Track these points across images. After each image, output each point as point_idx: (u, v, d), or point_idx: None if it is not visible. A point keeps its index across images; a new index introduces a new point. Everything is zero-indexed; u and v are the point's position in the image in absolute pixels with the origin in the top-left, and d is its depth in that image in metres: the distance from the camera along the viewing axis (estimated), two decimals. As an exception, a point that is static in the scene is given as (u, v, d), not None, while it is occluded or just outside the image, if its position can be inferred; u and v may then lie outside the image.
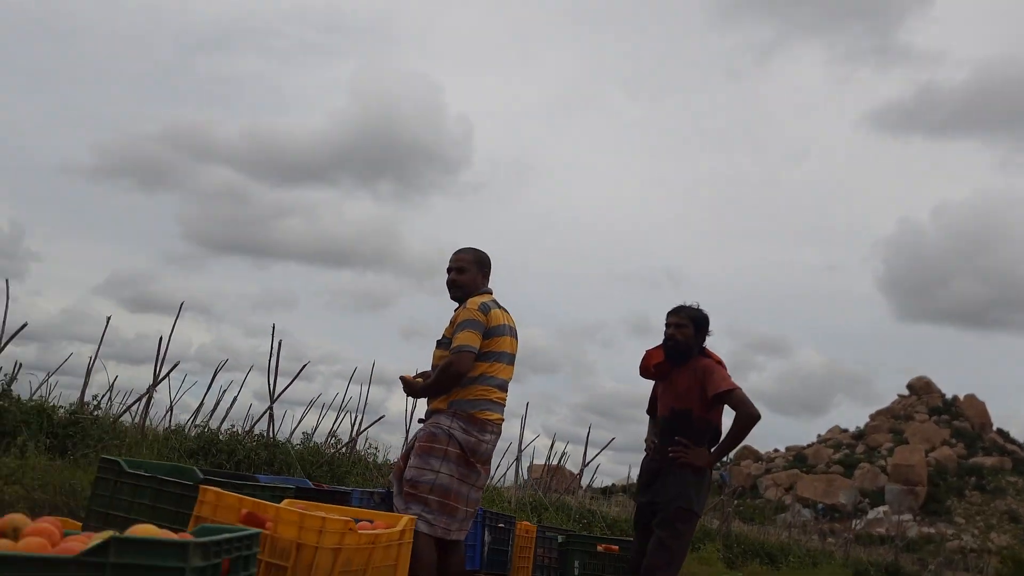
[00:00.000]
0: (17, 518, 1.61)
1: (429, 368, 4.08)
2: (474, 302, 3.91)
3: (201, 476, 3.79)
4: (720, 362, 4.38)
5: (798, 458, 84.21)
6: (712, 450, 4.24)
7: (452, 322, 3.92)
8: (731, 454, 4.56)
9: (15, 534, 1.59)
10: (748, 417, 4.16)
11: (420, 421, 3.97)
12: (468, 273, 4.03)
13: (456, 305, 4.03)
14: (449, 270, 4.08)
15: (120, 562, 1.45)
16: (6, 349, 9.59)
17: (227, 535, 1.71)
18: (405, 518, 3.07)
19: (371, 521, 3.08)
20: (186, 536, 1.67)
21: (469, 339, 3.80)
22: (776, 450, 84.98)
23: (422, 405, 4.13)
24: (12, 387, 9.07)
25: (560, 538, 5.74)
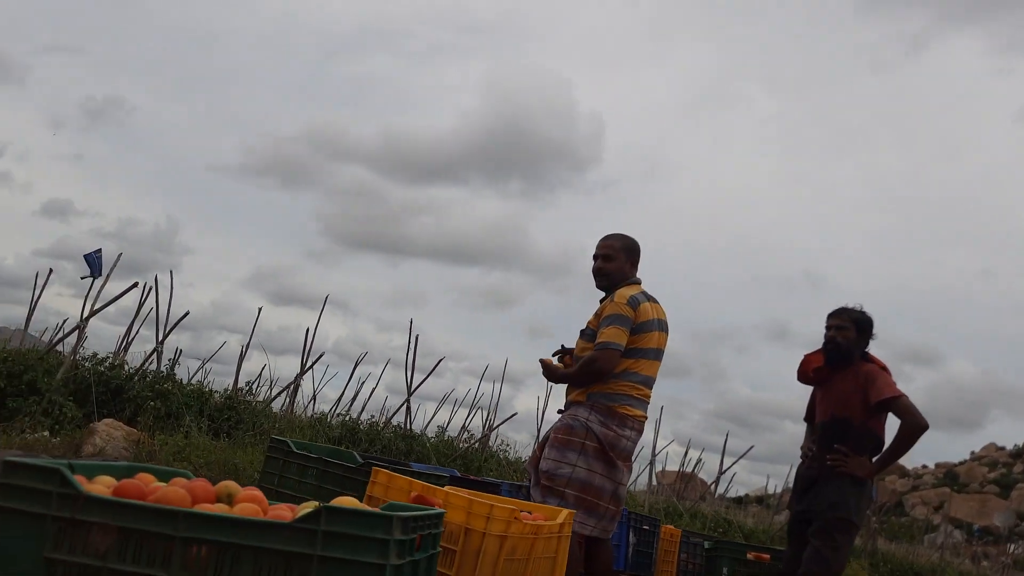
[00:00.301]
0: (231, 485, 1.70)
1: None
2: (623, 295, 3.70)
3: (361, 460, 3.92)
4: (884, 368, 4.16)
5: (949, 475, 79.40)
6: (874, 460, 4.04)
7: (598, 314, 3.75)
8: None
9: (230, 499, 1.68)
10: (915, 426, 3.93)
11: (559, 412, 3.87)
12: (615, 261, 3.82)
13: (602, 295, 3.85)
14: (595, 257, 3.87)
15: (330, 530, 1.50)
16: (168, 337, 10.31)
17: (419, 512, 1.75)
18: (565, 511, 3.07)
19: (530, 512, 3.09)
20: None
21: (615, 336, 3.62)
22: (924, 466, 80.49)
23: (555, 399, 4.11)
24: (175, 371, 9.73)
25: (707, 544, 5.61)
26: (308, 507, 1.58)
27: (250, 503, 1.64)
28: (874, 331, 4.23)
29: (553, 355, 3.95)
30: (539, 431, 12.82)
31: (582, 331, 3.83)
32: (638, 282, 3.84)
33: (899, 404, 3.97)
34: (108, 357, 9.07)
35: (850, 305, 4.26)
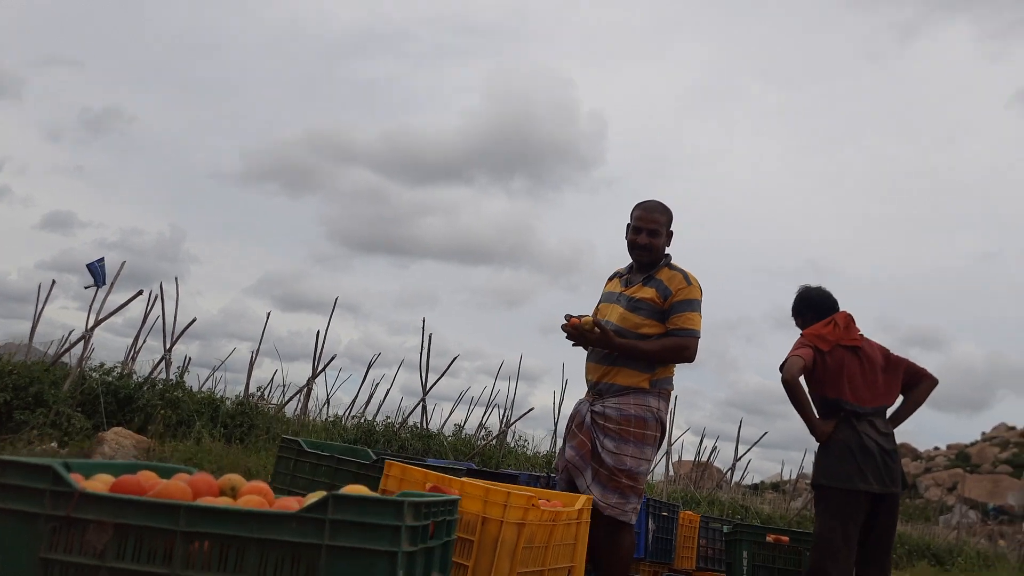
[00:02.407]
0: (235, 478, 1.63)
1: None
2: (693, 278, 3.60)
3: (374, 456, 3.85)
4: (810, 334, 4.19)
5: (960, 457, 79.05)
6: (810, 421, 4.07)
7: (660, 291, 3.55)
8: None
9: (233, 492, 1.61)
10: (784, 383, 3.97)
11: (598, 393, 3.57)
12: (661, 237, 3.65)
13: (646, 265, 3.65)
14: (638, 230, 3.64)
15: (338, 518, 1.43)
16: (175, 345, 10.27)
17: (432, 498, 1.67)
18: (583, 497, 2.99)
19: (548, 500, 3.01)
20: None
21: (700, 323, 3.55)
22: (936, 448, 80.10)
23: (571, 394, 3.94)
24: (184, 379, 9.69)
25: (726, 528, 5.52)
26: (315, 496, 1.51)
27: (255, 495, 1.57)
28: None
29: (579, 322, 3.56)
30: (556, 426, 12.77)
31: (623, 297, 3.63)
32: (670, 256, 3.73)
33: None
34: (116, 367, 9.03)
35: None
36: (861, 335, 4.16)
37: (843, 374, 4.04)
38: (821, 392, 4.08)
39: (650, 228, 3.63)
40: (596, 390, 3.60)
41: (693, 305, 3.55)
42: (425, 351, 11.49)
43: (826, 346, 4.09)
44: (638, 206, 3.73)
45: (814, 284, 4.44)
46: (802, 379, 4.04)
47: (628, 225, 3.73)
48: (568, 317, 3.59)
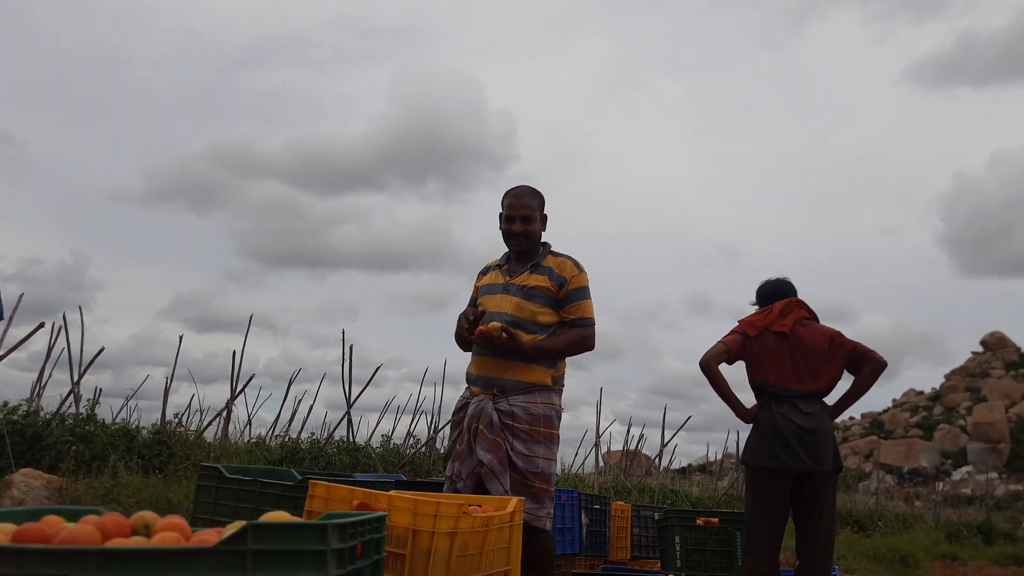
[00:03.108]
0: (147, 515, 1.56)
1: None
2: (582, 264, 3.52)
3: (299, 476, 3.76)
4: (742, 321, 4.39)
5: (875, 424, 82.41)
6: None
7: (553, 278, 3.46)
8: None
9: (147, 530, 1.54)
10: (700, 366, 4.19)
11: (498, 395, 3.39)
12: (536, 223, 3.54)
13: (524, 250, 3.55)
14: (511, 218, 3.53)
15: (259, 548, 1.38)
16: (83, 377, 9.86)
17: (356, 518, 1.63)
18: (514, 499, 2.98)
19: (479, 505, 3.00)
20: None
21: (593, 310, 3.49)
22: (852, 418, 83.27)
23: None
24: (96, 411, 9.31)
25: (657, 515, 5.60)
26: (233, 528, 1.46)
27: (170, 532, 1.50)
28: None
29: (481, 325, 3.42)
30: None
31: (525, 289, 3.47)
32: (549, 244, 3.63)
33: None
34: (21, 404, 8.61)
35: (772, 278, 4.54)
36: (801, 320, 4.27)
37: (767, 358, 4.18)
38: (751, 375, 4.24)
39: (523, 215, 3.51)
40: (497, 386, 3.41)
41: (586, 292, 3.51)
42: (347, 363, 11.33)
43: (753, 331, 4.25)
44: (507, 193, 3.61)
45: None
46: (727, 365, 4.22)
47: (500, 215, 3.60)
48: (470, 320, 3.48)
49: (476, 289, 3.73)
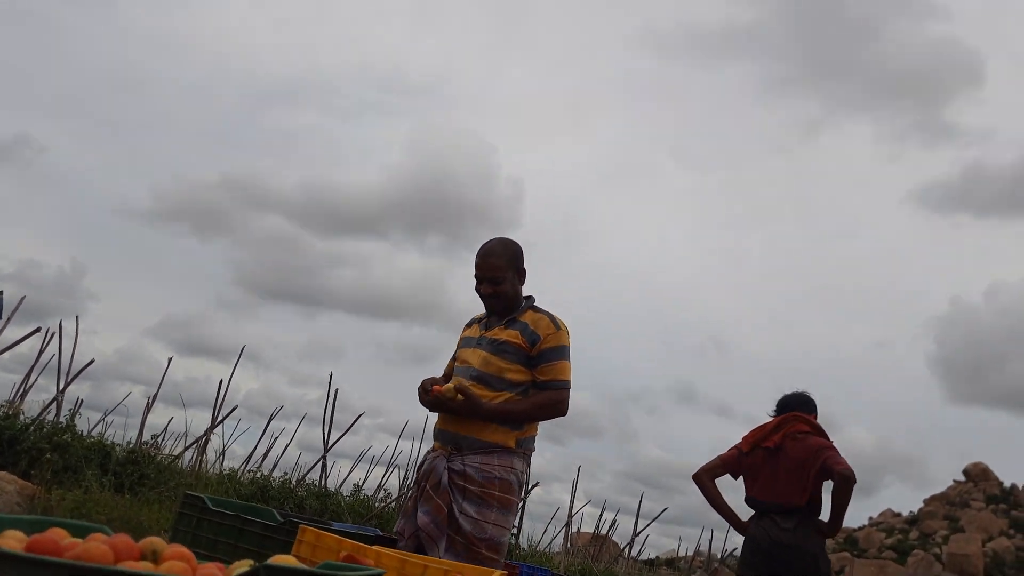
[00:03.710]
0: (156, 541, 1.58)
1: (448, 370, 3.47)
2: (563, 323, 3.32)
3: (280, 518, 3.75)
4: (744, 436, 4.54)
5: (849, 540, 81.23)
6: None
7: (526, 335, 3.25)
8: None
9: (155, 556, 1.56)
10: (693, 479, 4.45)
11: (454, 452, 3.20)
12: (506, 283, 3.31)
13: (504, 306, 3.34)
14: (478, 279, 3.35)
15: (268, 590, 1.40)
16: (69, 386, 9.80)
17: (358, 572, 1.66)
18: (498, 572, 2.98)
19: (460, 572, 2.99)
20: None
21: (570, 372, 3.28)
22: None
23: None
24: (75, 421, 9.23)
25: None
26: (242, 566, 1.48)
27: (178, 560, 1.52)
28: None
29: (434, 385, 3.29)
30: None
31: (495, 343, 3.27)
32: (532, 298, 3.44)
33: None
34: (2, 406, 8.55)
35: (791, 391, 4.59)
36: (795, 434, 4.30)
37: (755, 473, 4.32)
38: (745, 490, 4.38)
39: (489, 276, 3.32)
40: (454, 443, 3.22)
41: (563, 352, 3.28)
42: (330, 407, 11.27)
43: (747, 447, 4.41)
44: (478, 253, 3.40)
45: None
46: (731, 478, 4.41)
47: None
48: (428, 385, 3.30)
49: (459, 341, 3.59)
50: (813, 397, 4.52)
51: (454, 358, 3.56)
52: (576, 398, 3.41)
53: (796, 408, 4.46)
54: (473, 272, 3.39)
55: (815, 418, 4.40)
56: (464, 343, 3.48)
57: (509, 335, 3.27)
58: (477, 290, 3.38)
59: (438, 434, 3.32)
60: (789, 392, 4.59)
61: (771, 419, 4.51)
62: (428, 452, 3.42)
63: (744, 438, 4.45)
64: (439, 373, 3.61)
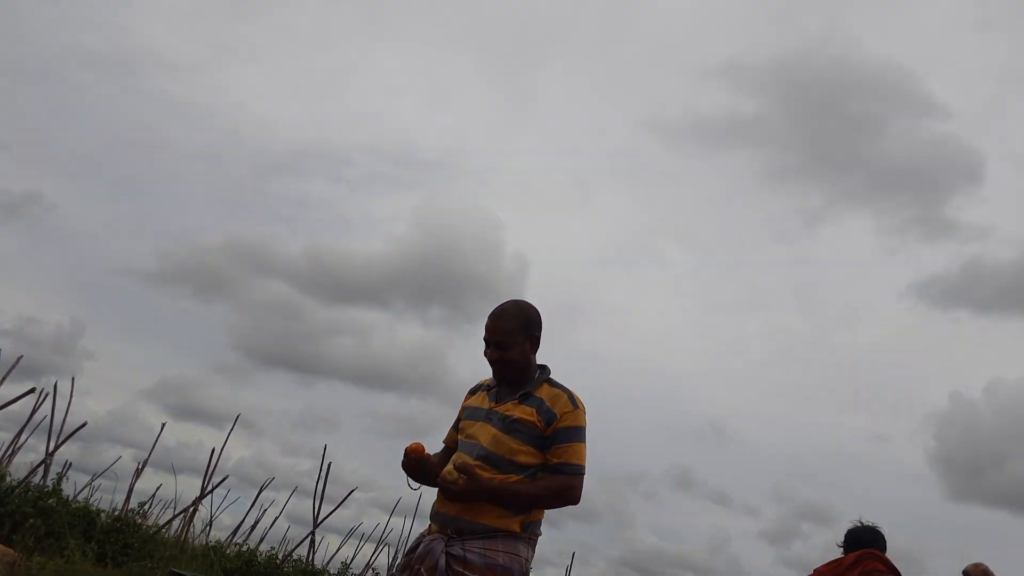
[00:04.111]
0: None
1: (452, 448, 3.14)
2: (580, 402, 3.04)
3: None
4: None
5: (842, 639, 78.90)
6: None
7: (542, 413, 2.96)
8: None
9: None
10: None
11: (456, 532, 2.90)
12: (515, 348, 3.02)
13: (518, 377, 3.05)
14: (486, 343, 3.07)
15: None
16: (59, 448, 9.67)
17: None
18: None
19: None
20: None
21: (585, 456, 3.01)
22: (819, 628, 79.83)
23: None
24: (62, 485, 9.08)
25: None
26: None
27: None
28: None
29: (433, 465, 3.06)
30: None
31: (508, 421, 2.96)
32: (547, 368, 3.14)
33: None
34: (-11, 467, 8.44)
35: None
36: (871, 572, 4.22)
37: None
38: None
39: (496, 340, 3.03)
40: (455, 527, 2.92)
41: (580, 434, 2.99)
42: (322, 481, 11.11)
43: None
44: (489, 315, 3.13)
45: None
46: None
47: None
48: (409, 457, 3.04)
49: (462, 409, 3.24)
50: (883, 531, 4.43)
51: (456, 427, 3.23)
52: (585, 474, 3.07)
53: (869, 544, 4.36)
54: (483, 335, 3.11)
55: (886, 554, 4.32)
56: (470, 414, 3.14)
57: (523, 412, 2.96)
58: (485, 354, 3.09)
59: (435, 516, 3.01)
60: (859, 524, 4.46)
61: (842, 553, 4.42)
62: (422, 533, 3.11)
63: (817, 571, 4.33)
64: (434, 448, 3.29)
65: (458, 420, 3.22)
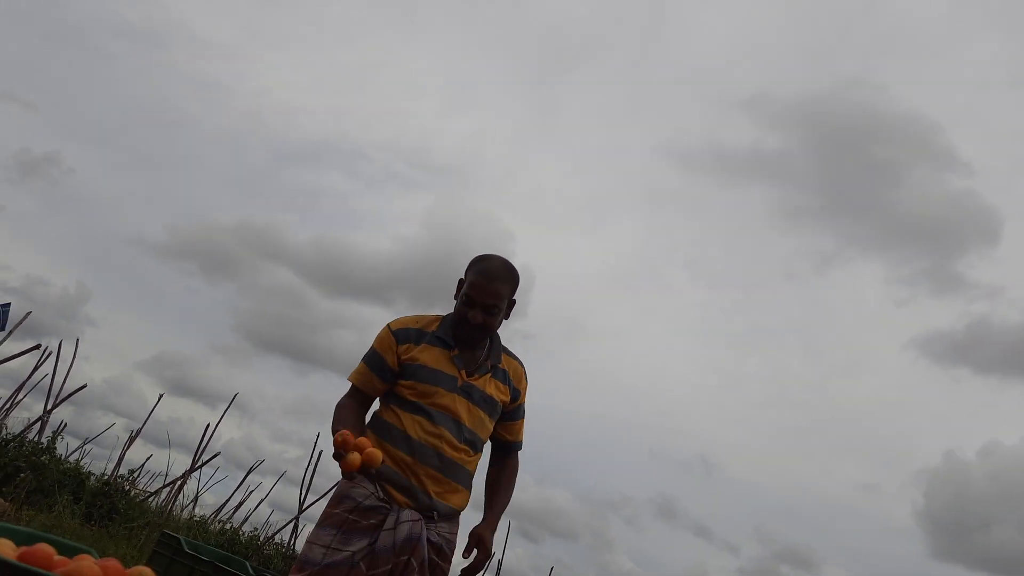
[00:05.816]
0: (145, 571, 1.60)
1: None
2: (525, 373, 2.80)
3: (252, 572, 3.72)
4: None
5: None
6: None
7: (510, 388, 2.71)
8: None
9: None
10: None
11: (428, 519, 2.52)
12: (500, 314, 2.63)
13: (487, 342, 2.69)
14: (471, 303, 2.58)
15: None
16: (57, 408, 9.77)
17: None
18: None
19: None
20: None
21: None
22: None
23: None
24: (56, 444, 9.17)
25: None
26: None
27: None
28: None
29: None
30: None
31: (485, 398, 2.62)
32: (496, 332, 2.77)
33: None
34: (-15, 418, 8.53)
35: None
36: None
37: None
38: None
39: (487, 304, 2.57)
40: (435, 510, 2.54)
41: (523, 410, 2.80)
42: (311, 470, 11.15)
43: None
44: (478, 268, 2.63)
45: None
46: None
47: (460, 284, 2.67)
48: (343, 450, 2.30)
49: (395, 355, 2.64)
50: None
51: (385, 377, 2.65)
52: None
53: None
54: (463, 283, 2.65)
55: None
56: (432, 377, 2.59)
57: (498, 391, 2.66)
58: (460, 312, 2.60)
59: (409, 490, 2.51)
60: None
61: None
62: (372, 493, 2.50)
63: None
64: None
65: (389, 369, 2.65)
